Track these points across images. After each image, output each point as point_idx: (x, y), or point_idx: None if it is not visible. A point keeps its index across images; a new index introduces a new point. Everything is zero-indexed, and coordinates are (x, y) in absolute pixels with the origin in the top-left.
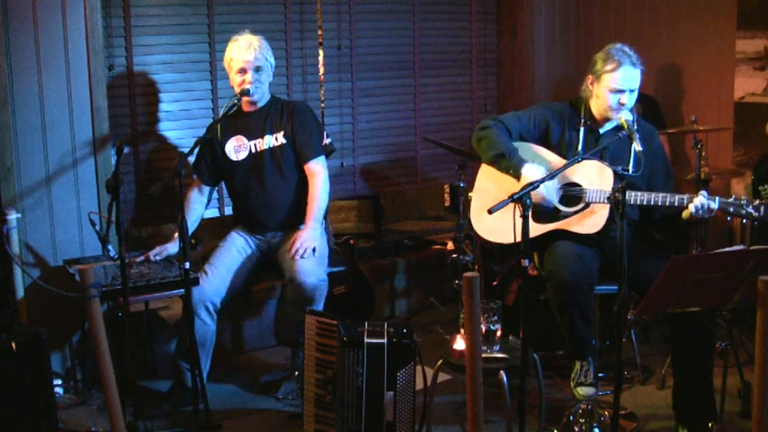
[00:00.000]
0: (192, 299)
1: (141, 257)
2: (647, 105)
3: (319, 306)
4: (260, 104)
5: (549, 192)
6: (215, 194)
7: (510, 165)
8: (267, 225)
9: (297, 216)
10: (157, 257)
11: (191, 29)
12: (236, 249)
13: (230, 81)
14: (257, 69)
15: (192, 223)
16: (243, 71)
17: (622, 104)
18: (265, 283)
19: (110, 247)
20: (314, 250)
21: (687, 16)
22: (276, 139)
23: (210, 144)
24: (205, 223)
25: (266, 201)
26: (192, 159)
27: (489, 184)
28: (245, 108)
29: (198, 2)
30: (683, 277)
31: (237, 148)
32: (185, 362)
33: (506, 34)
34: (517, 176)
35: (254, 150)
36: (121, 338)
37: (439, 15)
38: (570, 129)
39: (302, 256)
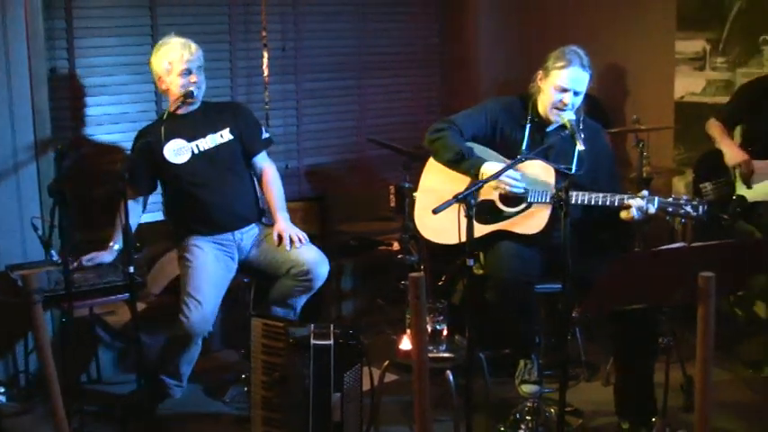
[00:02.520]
0: (191, 331)
1: (74, 263)
2: (591, 106)
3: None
4: (193, 107)
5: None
6: (159, 198)
7: (470, 165)
8: (227, 224)
9: (255, 211)
10: (89, 263)
11: (133, 31)
12: (213, 264)
13: (165, 85)
14: (199, 69)
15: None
16: (188, 72)
17: (565, 104)
18: None
19: (53, 251)
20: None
21: (628, 18)
22: (222, 136)
23: (147, 150)
24: (147, 227)
25: (223, 199)
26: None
27: (434, 184)
28: (178, 111)
29: (140, 4)
30: (625, 275)
31: (177, 152)
32: (170, 377)
33: (450, 35)
34: (477, 175)
35: (196, 151)
36: (66, 344)
37: (383, 17)
38: (517, 125)
39: (302, 243)
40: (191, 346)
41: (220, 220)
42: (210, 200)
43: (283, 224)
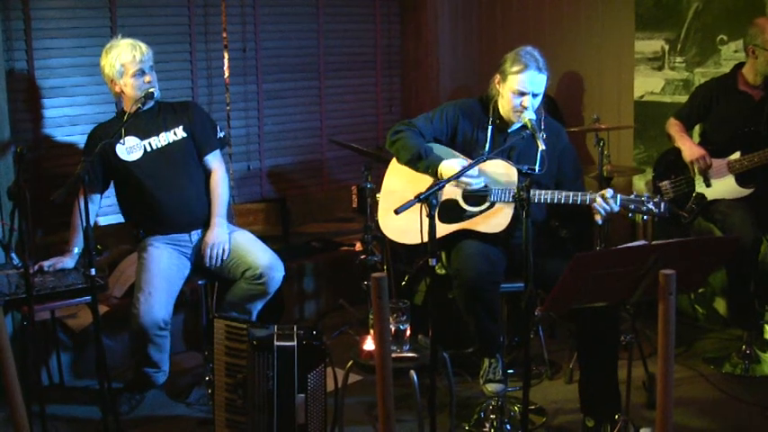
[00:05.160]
0: (142, 323)
1: (35, 267)
2: (547, 106)
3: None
4: (148, 106)
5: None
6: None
7: (427, 163)
8: (182, 225)
9: (209, 210)
10: (50, 269)
11: (93, 32)
12: (166, 262)
13: (118, 87)
14: (151, 68)
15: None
16: (141, 72)
17: (524, 107)
18: None
19: (13, 255)
20: (223, 250)
21: (587, 18)
22: (175, 133)
23: (104, 150)
24: (111, 229)
25: (178, 199)
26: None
27: (397, 186)
28: (132, 110)
29: (100, 4)
30: (586, 273)
31: (130, 150)
32: (149, 367)
33: (410, 36)
34: (435, 174)
35: (149, 149)
36: (27, 348)
37: (343, 18)
38: (479, 127)
39: (221, 261)
40: (150, 337)
41: (174, 220)
42: (164, 199)
43: (210, 235)
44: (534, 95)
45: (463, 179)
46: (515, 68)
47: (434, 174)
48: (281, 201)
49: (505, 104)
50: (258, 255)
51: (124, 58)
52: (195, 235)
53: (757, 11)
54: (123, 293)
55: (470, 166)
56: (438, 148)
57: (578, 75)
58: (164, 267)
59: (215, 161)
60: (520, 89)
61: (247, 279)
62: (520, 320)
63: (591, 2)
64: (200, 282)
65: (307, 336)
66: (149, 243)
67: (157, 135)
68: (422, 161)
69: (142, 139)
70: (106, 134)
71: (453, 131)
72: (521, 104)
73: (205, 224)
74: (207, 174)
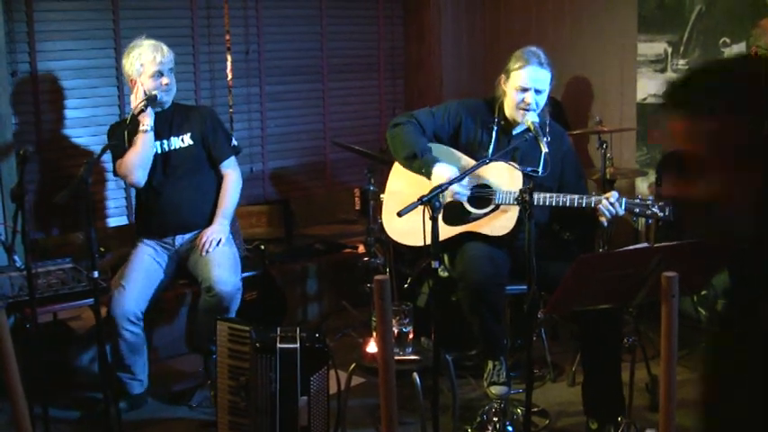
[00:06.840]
0: (112, 314)
1: None
2: (551, 108)
3: (232, 314)
4: (164, 107)
5: (460, 186)
6: (123, 202)
7: (421, 164)
8: (171, 227)
9: (202, 218)
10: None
11: (96, 34)
12: (148, 259)
13: (137, 88)
14: (170, 71)
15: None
16: (159, 74)
17: (527, 104)
18: (176, 291)
19: (15, 257)
20: (218, 243)
21: (590, 21)
22: (183, 140)
23: (110, 149)
24: (114, 232)
25: (171, 202)
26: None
27: (401, 186)
28: (136, 113)
29: (103, 6)
30: (588, 276)
31: None
32: (123, 372)
33: (413, 38)
34: (428, 175)
35: (158, 151)
36: (29, 350)
37: (346, 20)
38: (483, 128)
39: (208, 251)
40: (119, 330)
41: (164, 223)
42: (159, 201)
43: (209, 228)
44: (538, 92)
45: (454, 188)
46: (517, 65)
47: (427, 175)
48: (284, 203)
49: (510, 102)
50: (214, 268)
51: (145, 58)
52: (180, 239)
53: (760, 13)
54: None
55: (473, 169)
56: (438, 149)
57: (581, 77)
58: (145, 265)
59: (228, 168)
60: (522, 85)
61: (203, 289)
62: (523, 323)
63: (593, 4)
64: (180, 281)
65: (309, 338)
66: (140, 241)
67: (168, 138)
68: (416, 160)
69: (156, 139)
70: (117, 138)
71: (456, 130)
72: (523, 101)
73: (193, 230)
74: (221, 179)
